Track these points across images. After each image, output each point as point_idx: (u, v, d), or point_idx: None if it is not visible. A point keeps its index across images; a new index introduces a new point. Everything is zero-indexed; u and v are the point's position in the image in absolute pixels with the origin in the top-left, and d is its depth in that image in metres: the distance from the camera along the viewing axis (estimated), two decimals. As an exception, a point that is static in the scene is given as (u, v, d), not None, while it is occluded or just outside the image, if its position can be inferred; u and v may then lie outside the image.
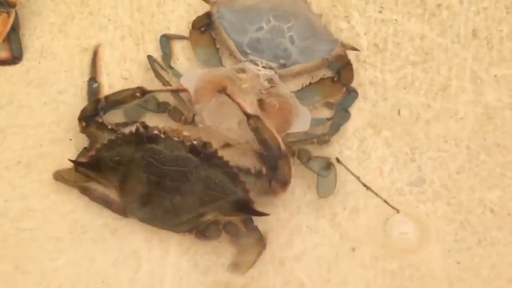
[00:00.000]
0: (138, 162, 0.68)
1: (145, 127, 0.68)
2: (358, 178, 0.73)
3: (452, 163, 0.76)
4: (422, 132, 0.77)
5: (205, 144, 0.68)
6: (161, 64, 0.77)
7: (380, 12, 0.81)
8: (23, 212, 0.75)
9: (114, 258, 0.73)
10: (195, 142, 0.68)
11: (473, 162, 0.76)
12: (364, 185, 0.74)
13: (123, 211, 0.72)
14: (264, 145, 0.69)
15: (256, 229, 0.71)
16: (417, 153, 0.76)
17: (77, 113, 0.76)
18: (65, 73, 0.79)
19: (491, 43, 0.79)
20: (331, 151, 0.76)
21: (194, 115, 0.73)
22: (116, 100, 0.72)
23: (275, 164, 0.68)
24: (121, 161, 0.69)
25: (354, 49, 0.77)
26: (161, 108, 0.74)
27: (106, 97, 0.72)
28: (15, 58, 0.78)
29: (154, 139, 0.68)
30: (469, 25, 0.79)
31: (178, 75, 0.75)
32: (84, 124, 0.72)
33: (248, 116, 0.68)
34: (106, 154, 0.69)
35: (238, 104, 0.69)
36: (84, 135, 0.73)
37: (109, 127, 0.71)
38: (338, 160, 0.73)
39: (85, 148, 0.73)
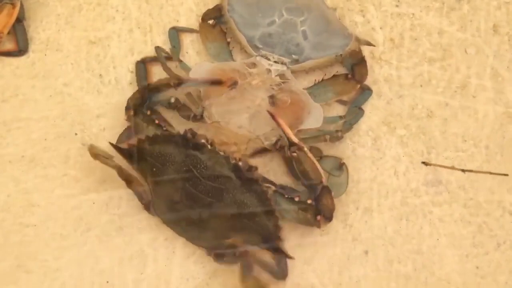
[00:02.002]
0: (177, 166, 0.67)
1: (193, 134, 0.68)
2: (452, 167, 0.72)
3: (470, 163, 0.75)
4: (439, 131, 0.76)
5: (250, 168, 0.67)
6: (168, 52, 0.76)
7: (397, 6, 0.80)
8: (26, 208, 0.75)
9: (119, 257, 0.73)
10: (240, 162, 0.67)
11: (492, 163, 0.75)
12: (462, 170, 0.72)
13: (148, 208, 0.72)
14: (305, 175, 0.68)
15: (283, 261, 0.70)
16: (433, 153, 0.75)
17: (83, 106, 0.77)
18: (71, 65, 0.78)
19: (513, 39, 0.78)
20: (344, 148, 0.75)
21: (203, 111, 0.72)
22: (157, 88, 0.71)
23: (319, 196, 0.68)
24: (161, 159, 0.68)
25: (369, 44, 0.76)
26: (172, 105, 0.73)
27: (149, 85, 0.72)
28: (20, 50, 0.78)
29: (199, 147, 0.67)
30: (490, 20, 0.78)
31: (187, 69, 0.74)
32: (132, 113, 0.71)
33: (292, 144, 0.67)
34: (147, 147, 0.69)
35: (283, 130, 0.67)
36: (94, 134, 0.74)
37: (156, 121, 0.70)
38: (425, 163, 0.72)
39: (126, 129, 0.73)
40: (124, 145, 0.71)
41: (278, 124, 0.68)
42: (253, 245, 0.68)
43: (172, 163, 0.67)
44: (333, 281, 0.73)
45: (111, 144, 0.71)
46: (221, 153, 0.67)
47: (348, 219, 0.74)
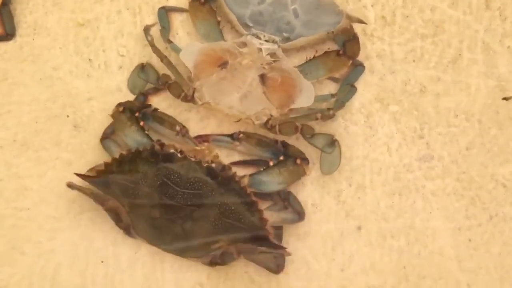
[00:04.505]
0: (150, 181, 0.69)
1: (161, 145, 0.70)
2: None
3: (463, 138, 0.79)
4: (431, 106, 0.79)
5: (224, 167, 0.69)
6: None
7: (388, -18, 0.82)
8: (19, 192, 0.78)
9: (113, 237, 0.76)
10: (213, 164, 0.69)
11: (485, 137, 0.79)
12: None
13: (127, 230, 0.73)
14: (263, 145, 0.74)
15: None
16: (426, 128, 0.79)
17: (73, 90, 0.80)
18: (59, 49, 0.81)
19: (504, 14, 0.81)
20: (336, 126, 0.78)
21: (194, 91, 0.75)
22: (159, 117, 0.75)
23: (284, 149, 0.73)
24: (133, 178, 0.69)
25: (361, 21, 0.78)
26: (162, 81, 0.77)
27: (155, 109, 0.75)
28: (7, 35, 0.81)
29: (170, 158, 0.69)
30: (481, -5, 0.81)
31: (177, 50, 0.77)
32: (121, 109, 0.74)
33: (232, 135, 0.73)
34: (116, 169, 0.70)
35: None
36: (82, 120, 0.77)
37: (141, 123, 0.73)
38: (506, 99, 0.72)
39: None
40: (91, 172, 0.73)
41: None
42: (242, 244, 0.70)
43: (144, 180, 0.69)
44: (326, 257, 0.76)
45: (77, 174, 0.72)
46: (192, 159, 0.69)
47: (341, 196, 0.78)
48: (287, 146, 0.74)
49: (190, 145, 0.73)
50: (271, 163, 0.74)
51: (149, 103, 0.77)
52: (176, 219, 0.69)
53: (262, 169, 0.74)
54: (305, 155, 0.74)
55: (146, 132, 0.74)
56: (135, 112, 0.74)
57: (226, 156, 0.77)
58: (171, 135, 0.75)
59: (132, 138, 0.74)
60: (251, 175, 0.73)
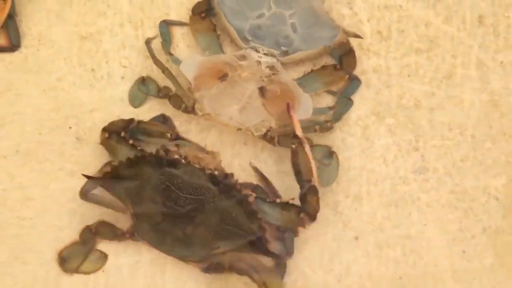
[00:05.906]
0: (155, 185, 0.69)
1: (166, 150, 0.70)
2: None
3: (457, 151, 0.79)
4: (426, 120, 0.80)
5: (226, 175, 0.69)
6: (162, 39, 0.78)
7: (384, -2, 0.83)
8: (22, 202, 0.78)
9: (114, 247, 0.76)
10: (216, 172, 0.69)
11: (478, 150, 0.79)
12: None
13: (131, 233, 0.74)
14: (297, 169, 0.70)
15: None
16: (421, 141, 0.79)
17: (77, 101, 0.80)
18: (63, 60, 0.81)
19: (497, 30, 0.81)
20: (334, 138, 0.78)
21: (194, 103, 0.76)
22: (146, 129, 0.74)
23: (305, 194, 0.70)
24: (138, 182, 0.70)
25: (357, 36, 0.79)
26: (162, 93, 0.77)
27: (139, 122, 0.74)
28: (13, 46, 0.81)
29: (174, 163, 0.69)
30: (475, 11, 0.81)
31: (178, 62, 0.77)
32: (106, 135, 0.74)
33: (295, 136, 0.70)
34: (122, 172, 0.71)
35: (293, 122, 0.70)
36: (90, 138, 0.77)
37: (130, 142, 0.73)
38: None
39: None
40: (98, 174, 0.73)
41: (290, 116, 0.71)
42: (241, 251, 0.71)
43: (149, 184, 0.69)
44: (324, 268, 0.76)
45: (84, 175, 0.72)
46: (196, 165, 0.69)
47: (338, 207, 0.78)
48: (309, 194, 0.70)
49: (187, 146, 0.72)
50: (277, 201, 0.72)
51: (131, 118, 0.75)
52: (178, 222, 0.70)
53: (268, 200, 0.72)
54: (317, 213, 0.71)
55: (139, 148, 0.73)
56: (120, 132, 0.74)
57: (226, 165, 0.77)
58: (164, 143, 0.74)
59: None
60: (256, 197, 0.72)
